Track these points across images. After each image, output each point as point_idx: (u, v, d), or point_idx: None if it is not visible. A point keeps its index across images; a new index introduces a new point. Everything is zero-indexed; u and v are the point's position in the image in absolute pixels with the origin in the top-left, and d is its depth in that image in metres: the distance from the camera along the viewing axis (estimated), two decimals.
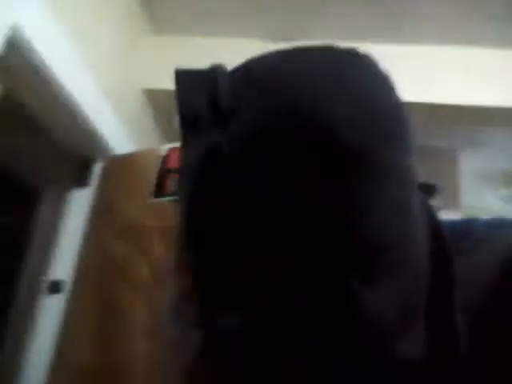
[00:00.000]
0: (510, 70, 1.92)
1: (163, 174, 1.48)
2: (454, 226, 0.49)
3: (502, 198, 2.98)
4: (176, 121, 0.52)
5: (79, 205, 1.62)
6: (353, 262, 0.40)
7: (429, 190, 0.49)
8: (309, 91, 0.42)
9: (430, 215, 0.46)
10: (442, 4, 1.76)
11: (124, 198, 1.54)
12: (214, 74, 0.48)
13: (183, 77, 0.48)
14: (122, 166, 1.62)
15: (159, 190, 1.47)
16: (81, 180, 1.65)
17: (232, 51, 2.07)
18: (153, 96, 2.06)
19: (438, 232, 0.45)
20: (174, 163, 1.47)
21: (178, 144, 1.58)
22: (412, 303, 0.42)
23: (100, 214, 1.58)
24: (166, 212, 1.44)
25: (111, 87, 1.71)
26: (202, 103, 0.45)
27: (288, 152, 0.41)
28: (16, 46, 1.17)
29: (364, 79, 0.45)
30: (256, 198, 0.42)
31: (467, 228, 0.49)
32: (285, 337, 0.42)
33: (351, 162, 0.40)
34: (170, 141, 2.23)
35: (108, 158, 1.69)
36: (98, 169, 1.69)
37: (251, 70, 0.48)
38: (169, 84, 2.03)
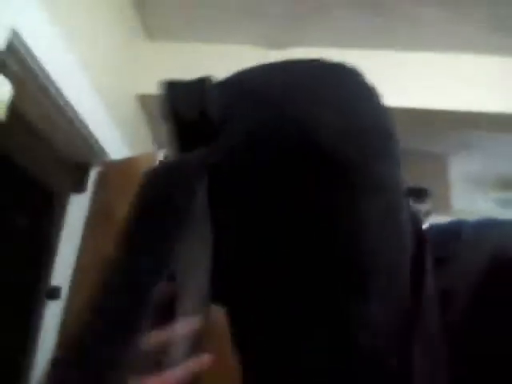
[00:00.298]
0: (500, 76, 1.95)
1: None
2: (443, 228, 0.51)
3: (493, 201, 3.02)
4: (167, 131, 0.53)
5: (77, 210, 1.61)
6: (346, 269, 0.41)
7: (420, 194, 0.49)
8: (297, 103, 0.44)
9: (415, 221, 0.47)
10: (433, 10, 1.79)
11: (122, 203, 1.53)
12: (202, 85, 0.48)
13: (172, 89, 0.48)
14: (119, 170, 1.62)
15: None
16: (78, 185, 1.65)
17: (226, 58, 2.07)
18: (146, 101, 2.06)
19: (421, 238, 0.46)
20: None
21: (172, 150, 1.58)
22: (400, 311, 0.43)
23: (98, 219, 1.57)
24: None
25: (106, 92, 1.71)
26: (191, 114, 0.46)
27: (279, 163, 0.42)
28: (15, 50, 1.17)
29: (351, 92, 0.47)
30: (250, 206, 0.43)
31: (456, 230, 0.50)
32: (280, 345, 0.42)
33: (340, 173, 0.41)
34: (163, 146, 2.23)
35: (105, 163, 1.68)
36: (94, 174, 1.68)
37: (241, 82, 0.50)
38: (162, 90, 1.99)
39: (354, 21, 1.88)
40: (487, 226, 0.50)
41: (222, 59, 2.07)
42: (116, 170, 1.66)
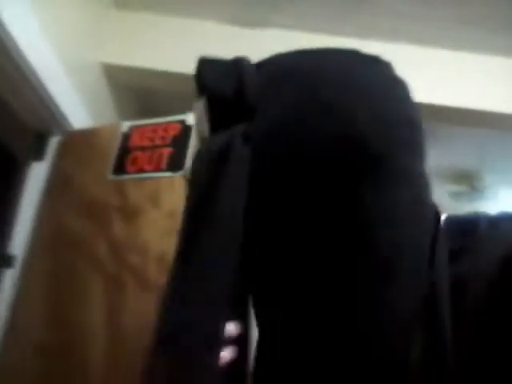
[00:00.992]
0: (456, 70, 2.01)
1: (124, 151, 1.47)
2: (460, 222, 0.51)
3: (450, 194, 3.11)
4: (197, 107, 0.52)
5: (36, 178, 1.59)
6: (374, 256, 0.41)
7: None
8: (335, 93, 0.43)
9: (434, 213, 0.47)
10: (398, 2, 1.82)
11: (83, 174, 1.52)
12: (240, 65, 0.48)
13: (208, 65, 0.48)
14: (81, 140, 1.60)
15: (119, 167, 1.46)
16: (38, 153, 1.61)
17: (193, 32, 2.06)
18: (110, 71, 2.03)
19: (437, 228, 0.46)
20: (136, 142, 1.46)
21: (139, 122, 1.57)
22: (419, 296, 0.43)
23: (57, 189, 1.55)
24: (126, 190, 1.43)
25: (70, 60, 1.67)
26: (227, 93, 0.46)
27: (313, 150, 0.42)
28: None
29: (386, 85, 0.47)
30: (280, 191, 0.42)
31: (472, 224, 0.50)
32: (307, 331, 0.42)
33: (372, 164, 0.42)
34: (125, 118, 2.20)
35: (66, 132, 1.65)
36: (55, 142, 1.65)
37: (279, 66, 0.49)
38: (128, 60, 2.02)
39: (326, 7, 1.90)
40: (502, 222, 0.50)
41: (188, 33, 2.05)
42: (77, 140, 1.63)
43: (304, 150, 0.42)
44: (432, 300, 0.43)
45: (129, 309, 1.28)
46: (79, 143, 1.60)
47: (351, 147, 0.42)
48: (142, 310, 1.26)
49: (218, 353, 0.39)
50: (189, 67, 2.48)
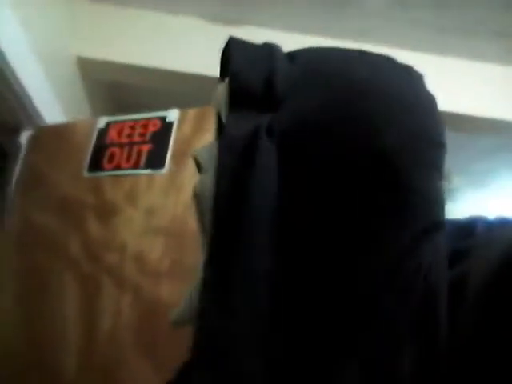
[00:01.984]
0: (429, 72, 2.04)
1: (101, 147, 1.43)
2: (457, 225, 0.51)
3: None
4: (218, 89, 0.48)
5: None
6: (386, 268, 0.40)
7: None
8: (369, 99, 0.42)
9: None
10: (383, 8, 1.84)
11: (56, 170, 1.48)
12: (272, 52, 0.45)
13: (238, 47, 0.45)
14: (54, 136, 1.55)
15: (95, 164, 1.42)
16: (10, 147, 1.56)
17: (169, 28, 2.03)
18: (85, 65, 1.98)
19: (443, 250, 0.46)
20: (113, 138, 1.42)
21: (116, 118, 1.53)
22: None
23: (27, 186, 1.50)
24: (101, 188, 1.39)
25: (44, 52, 1.62)
26: (256, 79, 0.43)
27: (338, 154, 0.40)
28: None
29: (419, 98, 0.45)
30: (304, 187, 0.40)
31: (470, 226, 0.50)
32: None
33: (392, 177, 0.40)
34: (99, 113, 2.16)
35: (38, 127, 1.60)
36: (27, 137, 1.60)
37: (313, 61, 0.46)
38: (103, 54, 1.98)
39: (302, 7, 1.90)
40: (499, 223, 0.49)
41: (164, 28, 2.02)
42: (49, 135, 1.58)
43: (326, 156, 0.40)
44: (428, 306, 0.42)
45: (104, 309, 1.25)
46: (52, 138, 1.55)
47: (378, 160, 0.40)
48: (119, 310, 1.23)
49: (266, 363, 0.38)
50: (164, 62, 2.46)
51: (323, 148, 0.41)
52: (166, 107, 1.41)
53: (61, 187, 1.44)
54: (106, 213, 1.36)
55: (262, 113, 0.42)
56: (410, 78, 0.47)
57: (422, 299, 0.42)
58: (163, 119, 1.36)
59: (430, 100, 0.47)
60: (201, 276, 0.43)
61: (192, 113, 1.36)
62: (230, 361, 0.36)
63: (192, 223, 1.23)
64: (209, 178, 0.48)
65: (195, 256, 1.28)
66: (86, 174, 1.42)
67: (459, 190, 3.14)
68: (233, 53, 0.45)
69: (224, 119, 0.46)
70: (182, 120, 1.36)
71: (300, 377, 0.41)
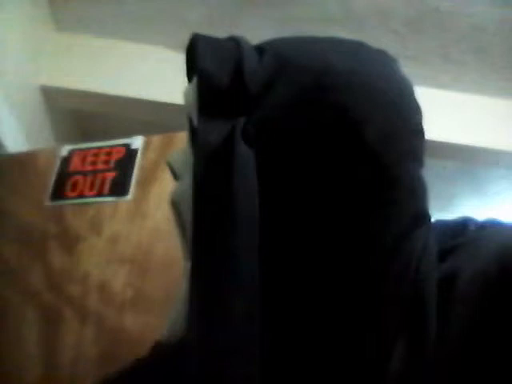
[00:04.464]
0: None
1: (63, 176, 1.41)
2: (449, 225, 0.50)
3: None
4: (186, 91, 0.47)
5: None
6: (369, 258, 0.40)
7: None
8: (346, 89, 0.41)
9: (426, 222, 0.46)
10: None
11: (17, 200, 1.44)
12: (238, 46, 0.43)
13: (203, 44, 0.43)
14: (16, 164, 1.51)
15: (58, 193, 1.40)
16: None
17: (134, 56, 2.03)
18: (49, 94, 1.96)
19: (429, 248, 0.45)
20: (77, 166, 1.40)
21: (80, 145, 1.51)
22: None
23: None
24: (64, 216, 1.37)
25: (8, 80, 1.61)
26: (226, 77, 0.41)
27: (319, 151, 0.39)
28: None
29: (397, 84, 0.45)
30: (288, 184, 0.40)
31: (461, 227, 0.49)
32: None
33: (376, 167, 0.40)
34: (63, 141, 2.13)
35: (0, 156, 1.57)
36: None
37: (285, 54, 0.44)
38: (67, 83, 1.97)
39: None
40: (489, 223, 0.49)
41: (128, 57, 2.02)
42: (11, 164, 1.55)
43: (307, 154, 0.40)
44: (417, 304, 0.42)
45: (66, 342, 1.21)
46: (14, 167, 1.52)
47: (360, 150, 0.40)
48: (80, 342, 1.19)
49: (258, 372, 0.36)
50: (128, 90, 2.46)
51: (302, 146, 0.40)
52: (131, 135, 1.41)
53: (22, 216, 1.41)
54: (69, 242, 1.33)
55: (234, 113, 0.41)
56: (387, 64, 0.46)
57: (411, 295, 0.41)
58: (127, 146, 1.35)
59: (408, 85, 0.46)
60: (186, 283, 0.42)
61: (157, 139, 1.36)
62: (225, 365, 0.35)
63: (157, 250, 1.22)
64: (185, 186, 0.46)
65: (159, 284, 1.25)
66: (48, 202, 1.39)
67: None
68: (198, 49, 0.43)
69: (195, 122, 0.44)
70: (146, 147, 1.35)
71: (294, 375, 0.40)
